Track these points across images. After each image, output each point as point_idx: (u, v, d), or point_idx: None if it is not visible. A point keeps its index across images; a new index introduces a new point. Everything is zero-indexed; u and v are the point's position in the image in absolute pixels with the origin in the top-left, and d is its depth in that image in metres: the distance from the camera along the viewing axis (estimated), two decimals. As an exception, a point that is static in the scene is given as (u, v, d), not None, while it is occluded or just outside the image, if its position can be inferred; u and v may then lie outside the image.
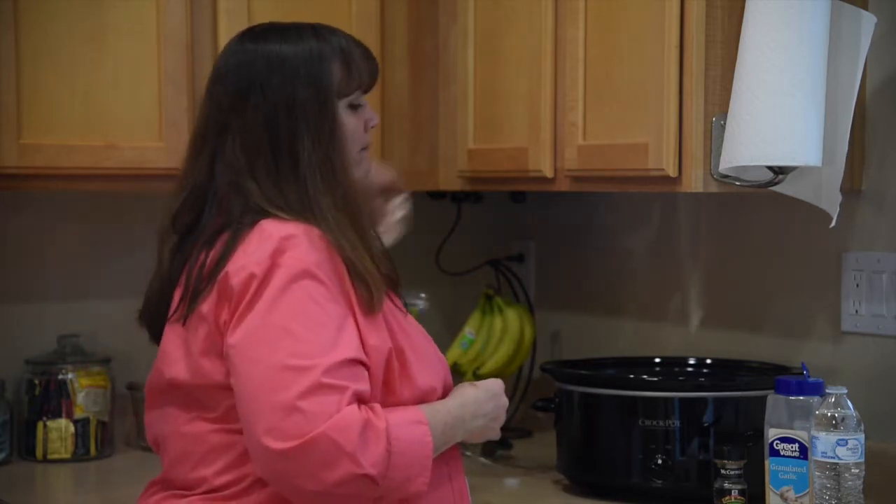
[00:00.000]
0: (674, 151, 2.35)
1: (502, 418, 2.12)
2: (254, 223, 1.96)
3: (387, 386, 1.98)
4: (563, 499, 2.52)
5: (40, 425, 2.85)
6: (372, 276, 1.97)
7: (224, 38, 2.74)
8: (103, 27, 2.66)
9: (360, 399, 1.90)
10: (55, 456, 2.84)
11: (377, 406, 1.92)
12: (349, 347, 1.92)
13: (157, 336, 2.08)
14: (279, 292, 1.91)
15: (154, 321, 2.08)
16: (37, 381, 2.87)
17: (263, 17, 2.76)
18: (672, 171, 2.35)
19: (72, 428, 2.85)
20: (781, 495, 2.17)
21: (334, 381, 1.87)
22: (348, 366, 1.90)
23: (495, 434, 2.13)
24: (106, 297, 3.02)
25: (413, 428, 1.94)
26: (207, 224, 2.02)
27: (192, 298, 1.97)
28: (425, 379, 2.02)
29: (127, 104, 2.68)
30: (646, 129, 2.39)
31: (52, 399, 2.86)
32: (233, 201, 2.01)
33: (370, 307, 1.96)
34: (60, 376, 2.86)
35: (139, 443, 2.96)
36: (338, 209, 1.99)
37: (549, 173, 2.65)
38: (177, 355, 2.01)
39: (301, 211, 1.98)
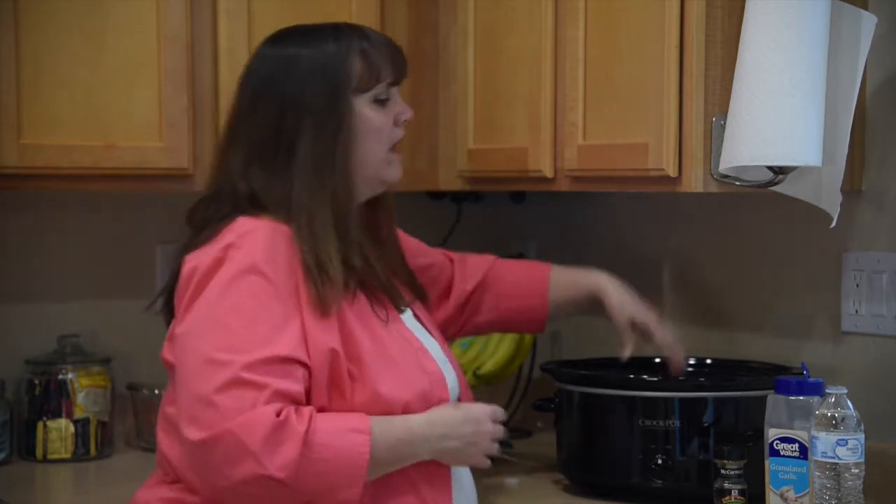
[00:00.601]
0: (674, 151, 2.35)
1: (484, 446, 2.07)
2: (233, 219, 1.99)
3: (336, 389, 1.96)
4: (563, 499, 2.52)
5: (40, 425, 2.85)
6: (330, 279, 1.96)
7: (224, 38, 2.75)
8: (103, 27, 2.65)
9: (285, 398, 1.88)
10: (55, 456, 2.84)
11: (306, 409, 1.89)
12: (284, 345, 1.90)
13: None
14: (224, 286, 1.93)
15: (168, 314, 2.12)
16: (37, 381, 2.87)
17: (263, 17, 2.78)
18: (672, 171, 2.35)
19: (72, 428, 2.85)
20: (781, 495, 2.17)
21: (254, 377, 1.86)
22: (278, 363, 1.89)
23: (477, 461, 2.08)
24: (106, 297, 3.02)
25: (347, 436, 1.90)
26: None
27: (169, 289, 2.05)
28: (389, 388, 1.99)
29: (127, 104, 2.68)
30: (646, 129, 2.39)
31: (52, 399, 2.86)
32: (227, 200, 2.05)
33: (321, 309, 1.95)
34: (60, 376, 2.86)
35: (139, 443, 2.97)
36: (323, 207, 2.00)
37: (549, 173, 2.65)
38: (168, 337, 2.08)
39: (280, 207, 2.00)
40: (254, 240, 1.96)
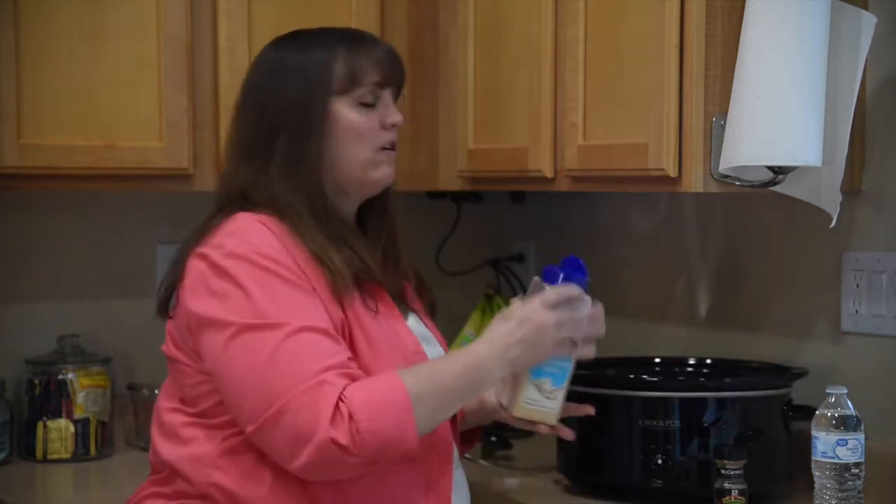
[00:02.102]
0: (674, 151, 2.35)
1: (551, 337, 2.03)
2: (231, 214, 2.03)
3: None
4: (563, 499, 2.52)
5: (40, 425, 2.85)
6: (336, 268, 2.00)
7: (224, 38, 2.75)
8: (103, 27, 2.66)
9: (336, 367, 1.92)
10: (55, 456, 2.84)
11: (354, 374, 1.93)
12: (318, 319, 1.95)
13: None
14: (243, 274, 1.95)
15: (165, 310, 2.13)
16: (37, 381, 2.87)
17: (263, 17, 2.78)
18: (672, 171, 2.35)
19: (72, 428, 2.85)
20: (538, 386, 2.10)
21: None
22: (322, 334, 1.94)
23: (556, 352, 2.05)
24: (106, 297, 3.02)
25: (382, 384, 1.93)
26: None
27: (171, 284, 2.06)
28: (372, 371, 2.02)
29: (127, 104, 2.68)
30: (646, 129, 2.39)
31: (52, 399, 2.86)
32: (224, 198, 2.09)
33: (335, 296, 1.99)
34: (60, 376, 2.86)
35: (139, 443, 2.96)
36: (304, 205, 2.04)
37: (549, 173, 2.65)
38: (169, 331, 2.09)
39: (268, 205, 2.03)
40: (256, 231, 1.99)
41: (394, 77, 2.13)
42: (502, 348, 2.01)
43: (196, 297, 1.99)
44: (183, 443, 2.03)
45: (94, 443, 2.88)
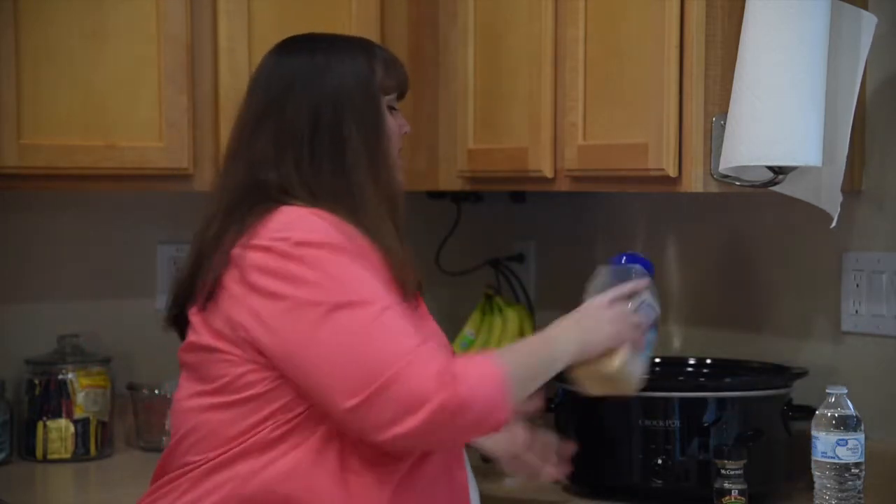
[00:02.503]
0: (674, 151, 2.35)
1: (628, 323, 2.10)
2: (270, 208, 1.99)
3: None
4: (563, 499, 2.52)
5: (40, 425, 2.85)
6: (404, 263, 2.02)
7: (224, 38, 2.75)
8: (103, 27, 2.66)
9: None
10: (55, 456, 2.84)
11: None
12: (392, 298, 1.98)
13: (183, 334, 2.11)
14: (315, 261, 1.94)
15: (180, 320, 2.10)
16: (37, 381, 2.87)
17: (263, 17, 2.78)
18: (672, 171, 2.35)
19: (72, 428, 2.85)
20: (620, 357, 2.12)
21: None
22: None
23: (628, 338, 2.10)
24: (106, 297, 3.02)
25: (476, 358, 2.01)
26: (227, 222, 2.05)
27: (215, 279, 2.00)
28: None
29: (127, 104, 2.68)
30: (646, 129, 2.39)
31: (52, 399, 2.86)
32: (248, 195, 2.04)
33: (398, 285, 2.01)
34: (60, 376, 2.86)
35: (139, 443, 2.97)
36: (380, 200, 2.05)
37: (549, 173, 2.65)
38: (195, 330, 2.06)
39: (336, 197, 2.02)
40: (315, 220, 1.98)
41: (407, 87, 2.17)
42: (572, 326, 2.08)
43: (269, 285, 1.95)
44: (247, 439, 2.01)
45: (94, 443, 2.88)
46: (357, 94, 2.07)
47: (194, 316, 2.05)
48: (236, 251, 1.98)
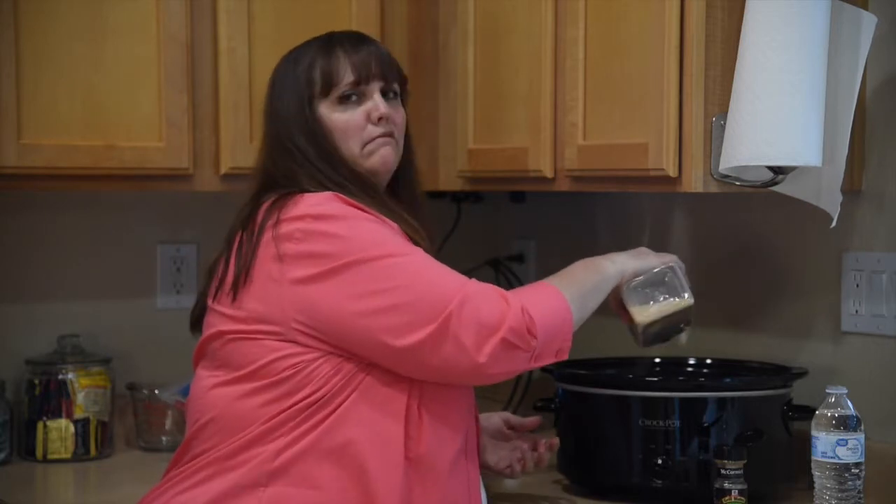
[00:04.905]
0: (674, 151, 2.35)
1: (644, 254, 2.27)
2: (290, 194, 2.09)
3: None
4: (563, 499, 2.52)
5: (40, 425, 2.85)
6: (414, 226, 2.14)
7: (224, 38, 2.76)
8: (103, 27, 2.66)
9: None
10: (55, 456, 2.85)
11: None
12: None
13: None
14: (353, 229, 2.04)
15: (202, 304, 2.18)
16: (37, 381, 2.87)
17: (263, 17, 2.78)
18: (672, 171, 2.35)
19: (72, 428, 2.85)
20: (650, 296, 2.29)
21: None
22: None
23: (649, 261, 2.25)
24: (106, 297, 3.02)
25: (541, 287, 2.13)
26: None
27: (247, 266, 2.08)
28: None
29: (127, 104, 2.68)
30: (646, 129, 2.39)
31: (52, 399, 2.86)
32: (267, 188, 2.15)
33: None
34: (60, 376, 2.86)
35: (139, 443, 2.97)
36: (357, 188, 2.14)
37: (549, 173, 2.65)
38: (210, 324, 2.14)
39: (333, 186, 2.12)
40: (334, 198, 2.07)
41: (376, 73, 2.19)
42: (615, 253, 2.25)
43: (309, 250, 2.03)
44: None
45: (94, 443, 2.88)
46: (294, 107, 2.17)
47: (220, 305, 2.10)
48: (266, 234, 2.05)
